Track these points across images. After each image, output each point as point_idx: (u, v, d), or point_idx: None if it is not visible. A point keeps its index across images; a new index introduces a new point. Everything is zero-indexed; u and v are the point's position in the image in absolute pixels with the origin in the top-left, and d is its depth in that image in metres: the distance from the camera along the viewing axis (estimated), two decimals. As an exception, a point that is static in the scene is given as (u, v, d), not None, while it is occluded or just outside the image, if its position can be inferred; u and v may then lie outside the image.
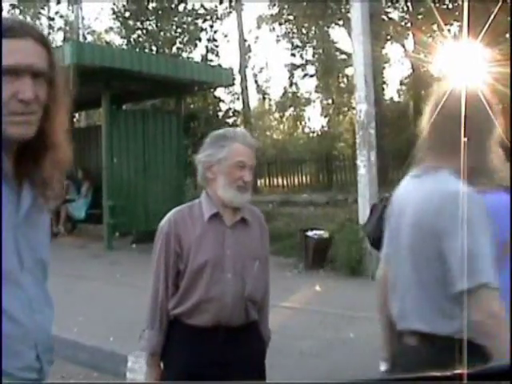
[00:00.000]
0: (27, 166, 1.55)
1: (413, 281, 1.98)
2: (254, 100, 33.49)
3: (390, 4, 22.64)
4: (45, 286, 1.65)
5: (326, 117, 30.53)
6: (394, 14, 24.01)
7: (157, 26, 22.43)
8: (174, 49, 22.57)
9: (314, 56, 27.07)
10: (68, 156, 1.63)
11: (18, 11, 24.86)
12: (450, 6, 19.16)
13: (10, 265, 1.48)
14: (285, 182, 25.53)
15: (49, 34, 24.72)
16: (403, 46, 26.64)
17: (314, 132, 31.59)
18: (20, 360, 1.52)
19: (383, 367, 2.31)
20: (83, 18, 25.66)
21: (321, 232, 9.37)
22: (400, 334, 2.06)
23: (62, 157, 1.61)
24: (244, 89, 26.21)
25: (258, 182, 23.43)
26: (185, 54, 22.72)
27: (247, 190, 2.55)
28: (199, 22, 23.48)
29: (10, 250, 1.49)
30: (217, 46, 23.56)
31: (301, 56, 27.10)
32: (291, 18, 25.13)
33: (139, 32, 22.47)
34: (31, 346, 1.55)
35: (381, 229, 3.43)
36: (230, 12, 25.96)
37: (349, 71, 25.43)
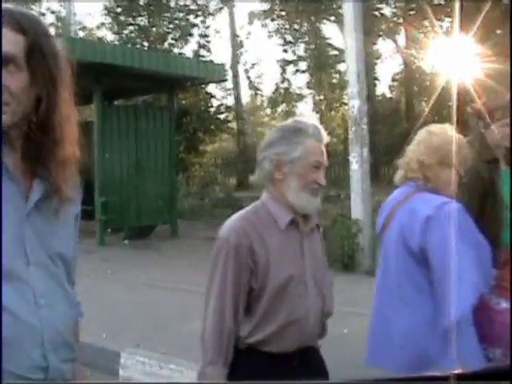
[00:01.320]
0: (34, 163, 1.49)
1: None
2: (245, 96, 33.47)
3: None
4: (62, 281, 1.57)
5: (318, 112, 30.49)
6: (386, 10, 24.07)
7: (148, 21, 22.40)
8: (166, 44, 22.54)
9: (306, 52, 27.06)
10: (74, 153, 1.54)
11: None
12: (442, 1, 19.19)
13: (12, 263, 1.43)
14: (277, 178, 25.47)
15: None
16: (395, 41, 26.71)
17: (306, 128, 31.49)
18: (25, 359, 1.44)
19: None
20: (75, 14, 25.50)
21: (313, 228, 9.37)
22: None
23: (66, 154, 1.51)
24: (236, 84, 26.18)
25: (251, 178, 23.44)
26: (176, 50, 22.69)
27: (319, 194, 2.19)
28: (191, 17, 23.47)
29: (13, 248, 1.43)
30: (208, 42, 23.57)
31: (293, 52, 27.10)
32: (283, 13, 25.10)
33: (131, 28, 22.44)
34: (37, 344, 1.46)
35: None
36: (222, 8, 25.93)
37: (341, 67, 25.45)
